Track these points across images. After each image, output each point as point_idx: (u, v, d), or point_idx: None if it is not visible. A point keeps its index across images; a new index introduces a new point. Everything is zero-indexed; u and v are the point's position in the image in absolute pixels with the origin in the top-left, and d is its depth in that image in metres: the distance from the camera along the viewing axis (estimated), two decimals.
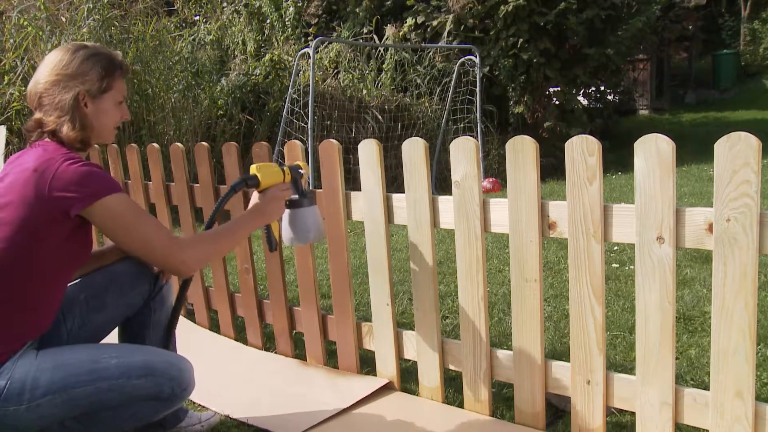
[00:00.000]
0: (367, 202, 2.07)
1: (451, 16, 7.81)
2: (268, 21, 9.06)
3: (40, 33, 5.32)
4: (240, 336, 2.68)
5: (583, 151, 1.63)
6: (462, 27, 7.88)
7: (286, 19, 8.95)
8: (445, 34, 7.86)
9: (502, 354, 1.92)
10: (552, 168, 7.10)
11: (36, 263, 1.47)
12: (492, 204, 1.83)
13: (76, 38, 5.43)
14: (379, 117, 7.15)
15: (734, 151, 1.43)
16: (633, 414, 1.86)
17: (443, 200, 1.92)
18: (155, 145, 2.74)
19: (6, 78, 5.14)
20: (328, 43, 7.99)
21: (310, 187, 2.69)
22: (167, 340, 1.86)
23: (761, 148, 1.42)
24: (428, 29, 8.08)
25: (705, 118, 12.54)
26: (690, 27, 13.35)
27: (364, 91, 7.41)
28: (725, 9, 17.14)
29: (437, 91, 7.90)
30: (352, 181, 3.45)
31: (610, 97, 9.73)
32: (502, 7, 7.48)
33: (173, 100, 6.04)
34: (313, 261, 2.30)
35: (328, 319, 2.31)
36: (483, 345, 1.92)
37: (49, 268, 1.50)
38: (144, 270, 1.80)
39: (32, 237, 1.45)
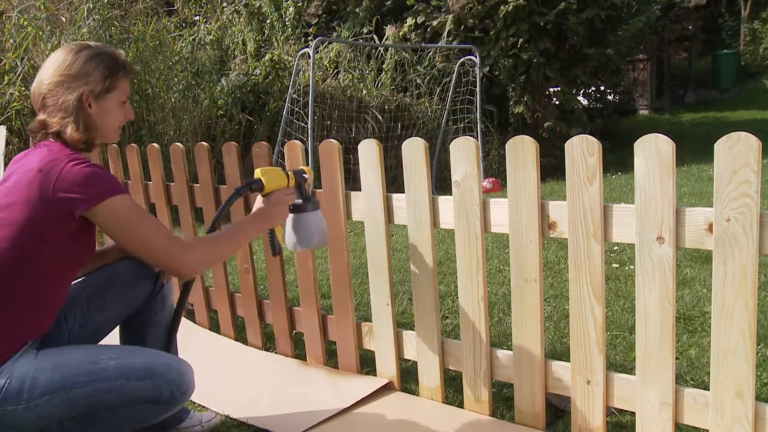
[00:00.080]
0: (367, 202, 2.07)
1: (451, 16, 7.81)
2: (268, 21, 9.06)
3: (40, 33, 5.32)
4: (240, 336, 2.68)
5: (583, 151, 1.63)
6: (462, 27, 7.88)
7: (286, 19, 8.95)
8: (445, 34, 7.86)
9: (502, 354, 1.92)
10: (552, 168, 7.10)
11: (39, 263, 1.47)
12: (492, 204, 1.83)
13: (76, 38, 5.43)
14: (379, 117, 7.14)
15: (734, 151, 1.43)
16: (633, 414, 1.86)
17: (443, 200, 1.92)
18: (155, 145, 2.74)
19: (6, 78, 5.14)
20: (328, 43, 7.99)
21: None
22: (168, 343, 1.86)
23: (761, 148, 1.42)
24: (428, 29, 8.08)
25: (705, 118, 12.54)
26: (690, 27, 13.35)
27: (364, 91, 7.41)
28: (725, 9, 17.14)
29: (437, 91, 7.90)
30: (352, 181, 3.45)
31: (610, 97, 9.73)
32: (502, 7, 7.48)
33: (173, 100, 6.04)
34: (313, 261, 2.30)
35: (328, 319, 2.31)
36: (483, 345, 1.92)
37: (53, 268, 1.50)
38: (145, 269, 1.79)
39: (36, 237, 1.45)
